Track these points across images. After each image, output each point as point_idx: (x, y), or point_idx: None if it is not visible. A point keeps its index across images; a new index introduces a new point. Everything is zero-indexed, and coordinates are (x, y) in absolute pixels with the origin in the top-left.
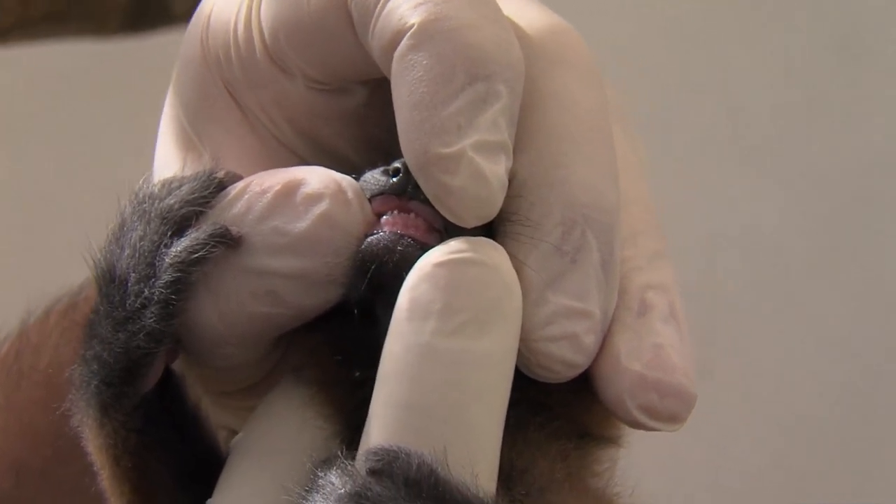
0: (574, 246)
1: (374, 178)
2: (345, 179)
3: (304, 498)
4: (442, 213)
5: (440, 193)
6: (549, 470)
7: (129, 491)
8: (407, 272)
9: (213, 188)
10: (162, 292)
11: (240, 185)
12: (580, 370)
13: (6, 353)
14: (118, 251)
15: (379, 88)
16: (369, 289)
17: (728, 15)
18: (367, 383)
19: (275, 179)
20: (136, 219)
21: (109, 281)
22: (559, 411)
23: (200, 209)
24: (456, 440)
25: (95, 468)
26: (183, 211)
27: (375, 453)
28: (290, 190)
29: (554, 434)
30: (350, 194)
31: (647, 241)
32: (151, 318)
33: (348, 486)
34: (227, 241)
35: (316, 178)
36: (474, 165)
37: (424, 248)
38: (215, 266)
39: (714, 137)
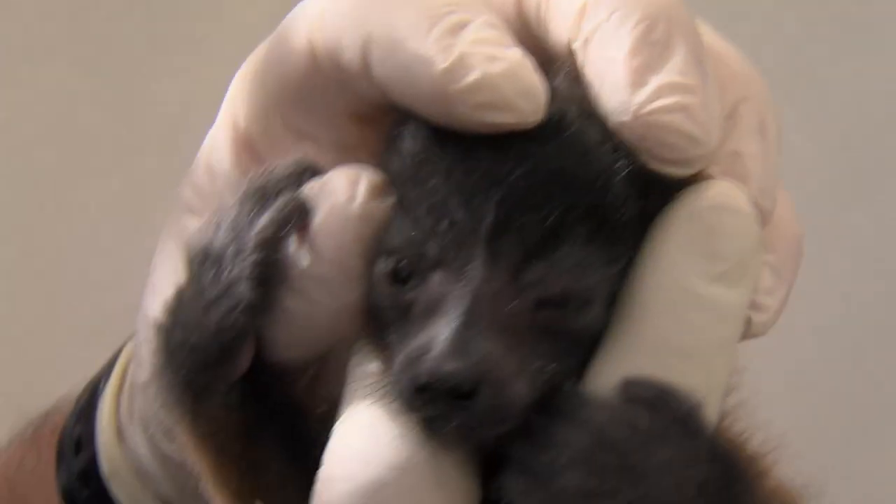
0: (662, 36)
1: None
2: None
3: (551, 428)
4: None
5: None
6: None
7: (235, 477)
8: None
9: (305, 172)
10: (255, 263)
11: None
12: (702, 150)
13: None
14: (214, 231)
15: None
16: None
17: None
18: None
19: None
20: (234, 203)
21: (202, 261)
22: None
23: (291, 190)
24: (706, 388)
25: (193, 470)
26: (275, 191)
27: (639, 383)
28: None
29: None
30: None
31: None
32: (247, 289)
33: (617, 413)
34: (303, 213)
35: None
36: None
37: None
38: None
39: None
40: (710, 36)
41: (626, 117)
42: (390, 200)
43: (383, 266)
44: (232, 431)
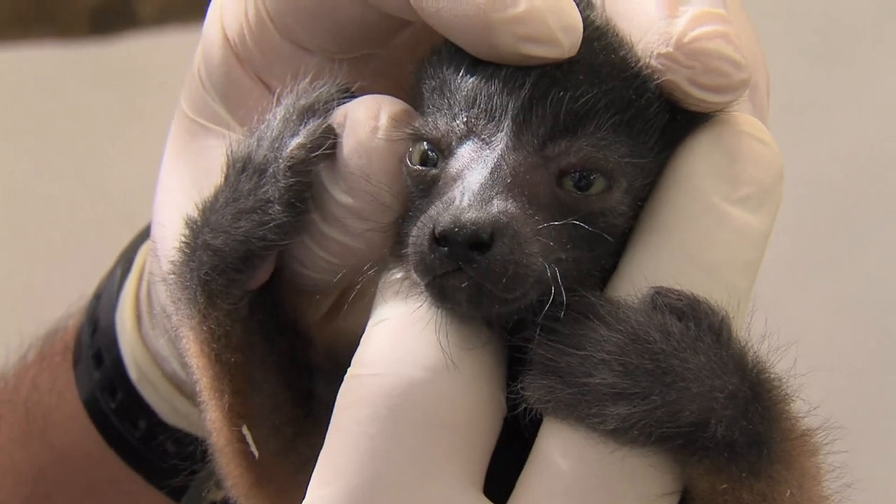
0: None
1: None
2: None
3: (581, 326)
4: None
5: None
6: None
7: (229, 391)
8: None
9: (340, 90)
10: (287, 187)
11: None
12: (745, 74)
13: None
14: (254, 143)
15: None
16: None
17: None
18: None
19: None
20: (278, 116)
21: (241, 171)
22: None
23: (328, 106)
24: (731, 307)
25: (194, 375)
26: (313, 107)
27: (670, 292)
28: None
29: None
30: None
31: None
32: (279, 209)
33: (651, 319)
34: (332, 138)
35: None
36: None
37: None
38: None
39: None
40: None
41: (668, 47)
42: (413, 127)
43: (413, 150)
44: (234, 342)
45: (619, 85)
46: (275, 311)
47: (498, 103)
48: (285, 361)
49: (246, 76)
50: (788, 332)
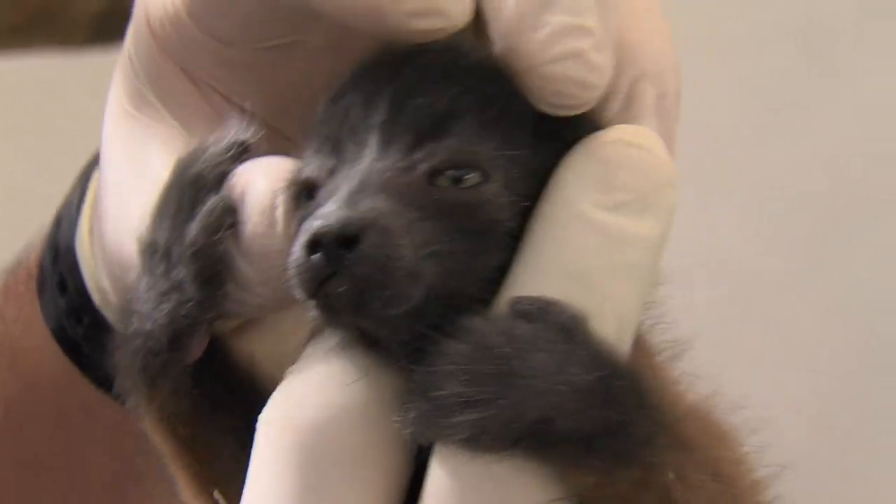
0: None
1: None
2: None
3: (440, 343)
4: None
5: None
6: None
7: (191, 461)
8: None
9: (238, 150)
10: (197, 270)
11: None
12: (597, 91)
13: None
14: (160, 223)
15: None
16: None
17: (698, 39)
18: None
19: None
20: (172, 190)
21: (153, 253)
22: None
23: (227, 172)
24: (600, 310)
25: (158, 454)
26: (211, 177)
27: (524, 300)
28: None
29: None
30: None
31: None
32: (193, 289)
33: (497, 325)
34: (232, 218)
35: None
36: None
37: None
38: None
39: (685, 161)
40: None
41: (516, 63)
42: (292, 174)
43: (295, 193)
44: (184, 417)
45: (480, 83)
46: (222, 376)
47: (362, 126)
48: (241, 423)
49: (167, 64)
50: (777, 334)
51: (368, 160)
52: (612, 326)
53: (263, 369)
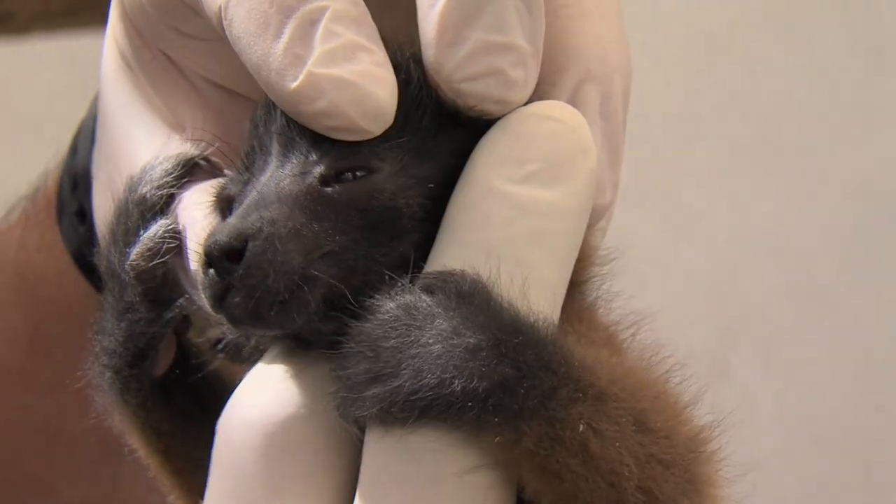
0: None
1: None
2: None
3: (360, 324)
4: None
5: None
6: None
7: (172, 471)
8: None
9: (183, 169)
10: (142, 292)
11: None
12: (516, 105)
13: None
14: (113, 245)
15: None
16: None
17: (758, 23)
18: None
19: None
20: (121, 211)
21: (111, 275)
22: None
23: (170, 194)
24: (512, 276)
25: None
26: (154, 199)
27: (429, 274)
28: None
29: None
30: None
31: None
32: (144, 309)
33: (398, 300)
34: (175, 241)
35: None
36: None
37: None
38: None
39: (742, 143)
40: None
41: (436, 77)
42: (213, 195)
43: (217, 212)
44: (157, 430)
45: None
46: (192, 388)
47: (266, 135)
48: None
49: (154, 51)
50: (780, 324)
51: (271, 169)
52: (528, 292)
53: (233, 384)
